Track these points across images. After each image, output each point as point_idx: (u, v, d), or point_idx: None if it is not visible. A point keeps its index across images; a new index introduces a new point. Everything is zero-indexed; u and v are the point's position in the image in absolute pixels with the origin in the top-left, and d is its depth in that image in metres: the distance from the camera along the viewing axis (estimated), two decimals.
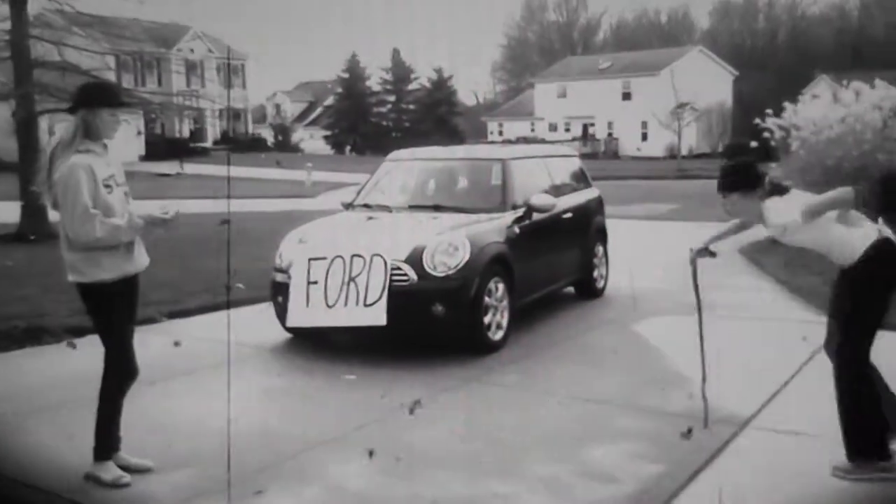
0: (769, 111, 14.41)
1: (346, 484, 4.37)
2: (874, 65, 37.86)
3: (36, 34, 15.78)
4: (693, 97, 48.84)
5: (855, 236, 4.24)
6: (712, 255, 4.89)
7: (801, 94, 16.60)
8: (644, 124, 56.75)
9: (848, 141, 13.11)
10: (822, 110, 13.88)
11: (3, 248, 13.55)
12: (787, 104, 14.35)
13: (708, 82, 55.27)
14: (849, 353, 4.33)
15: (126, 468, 4.37)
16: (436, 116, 65.98)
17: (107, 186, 4.19)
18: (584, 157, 11.49)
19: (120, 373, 4.36)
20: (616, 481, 4.33)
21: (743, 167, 4.47)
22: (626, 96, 59.52)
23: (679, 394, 5.69)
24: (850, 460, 4.32)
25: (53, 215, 4.57)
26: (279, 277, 7.13)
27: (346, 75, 69.22)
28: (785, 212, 4.26)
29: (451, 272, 6.62)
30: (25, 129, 15.62)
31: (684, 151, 47.42)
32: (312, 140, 69.46)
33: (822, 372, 6.26)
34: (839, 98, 13.89)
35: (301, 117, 75.75)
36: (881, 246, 4.20)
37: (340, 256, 6.66)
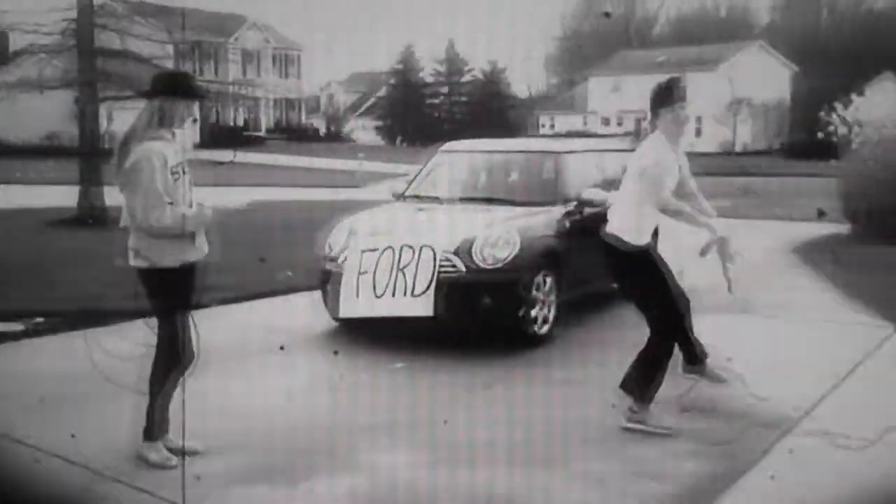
0: (838, 105, 14.15)
1: (390, 473, 4.41)
2: None
3: (100, 23, 16.12)
4: (750, 93, 48.02)
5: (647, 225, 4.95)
6: None
7: (864, 91, 16.26)
8: (698, 119, 55.95)
9: None
10: (886, 107, 13.60)
11: (62, 231, 13.90)
12: (854, 96, 14.06)
13: (766, 78, 54.26)
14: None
15: (175, 450, 4.46)
16: (488, 109, 65.80)
17: (174, 174, 4.28)
18: None
19: (174, 356, 4.45)
20: (660, 479, 4.30)
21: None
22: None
23: (728, 394, 5.62)
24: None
25: (111, 200, 4.69)
26: (328, 266, 7.19)
27: (399, 66, 69.40)
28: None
29: (499, 265, 6.62)
30: (87, 115, 15.98)
31: (739, 148, 46.70)
32: (364, 130, 69.85)
33: (873, 375, 6.19)
34: None
35: (354, 108, 76.15)
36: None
37: (390, 247, 6.70)
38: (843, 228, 13.69)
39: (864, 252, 11.70)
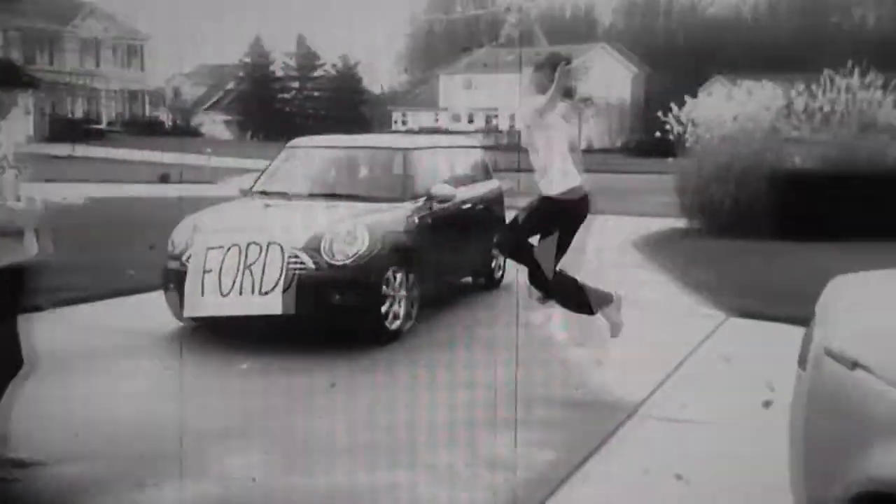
0: (673, 105, 14.78)
1: (239, 475, 4.30)
2: (767, 67, 39.30)
3: None
4: (594, 93, 49.85)
5: (556, 178, 5.70)
6: None
7: (697, 92, 17.11)
8: None
9: (739, 138, 13.63)
10: (717, 108, 14.37)
11: None
12: (688, 98, 14.75)
13: (609, 79, 56.38)
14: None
15: (14, 462, 4.19)
16: (341, 104, 65.40)
17: None
18: (486, 148, 11.55)
19: (2, 364, 4.17)
20: (508, 468, 4.38)
21: None
22: None
23: (569, 381, 5.81)
24: None
25: None
26: (172, 265, 6.94)
27: (248, 59, 67.92)
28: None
29: (349, 261, 6.58)
30: None
31: (584, 146, 48.36)
32: (213, 124, 68.01)
33: (708, 361, 6.54)
34: (732, 97, 14.42)
35: (201, 101, 74.01)
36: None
37: (236, 244, 6.54)
38: (680, 223, 14.37)
39: (699, 245, 12.34)
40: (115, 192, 19.40)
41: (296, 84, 69.42)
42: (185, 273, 6.62)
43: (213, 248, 6.58)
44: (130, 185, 23.21)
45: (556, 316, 8.00)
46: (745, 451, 4.58)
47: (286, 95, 69.47)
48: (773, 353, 5.61)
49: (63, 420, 4.98)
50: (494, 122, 61.39)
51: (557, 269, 5.86)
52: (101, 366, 6.23)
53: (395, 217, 7.29)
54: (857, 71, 13.41)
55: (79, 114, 55.09)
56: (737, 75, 19.40)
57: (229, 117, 68.46)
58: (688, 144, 14.28)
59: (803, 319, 3.23)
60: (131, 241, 10.98)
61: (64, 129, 45.82)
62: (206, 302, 6.46)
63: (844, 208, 11.89)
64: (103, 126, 55.42)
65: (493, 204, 9.53)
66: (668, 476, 4.32)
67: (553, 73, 5.51)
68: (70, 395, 5.49)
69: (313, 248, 6.55)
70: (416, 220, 7.45)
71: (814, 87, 13.77)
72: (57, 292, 8.29)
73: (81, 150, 38.20)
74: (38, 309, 7.58)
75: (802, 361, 3.02)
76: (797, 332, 3.27)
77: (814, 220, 11.96)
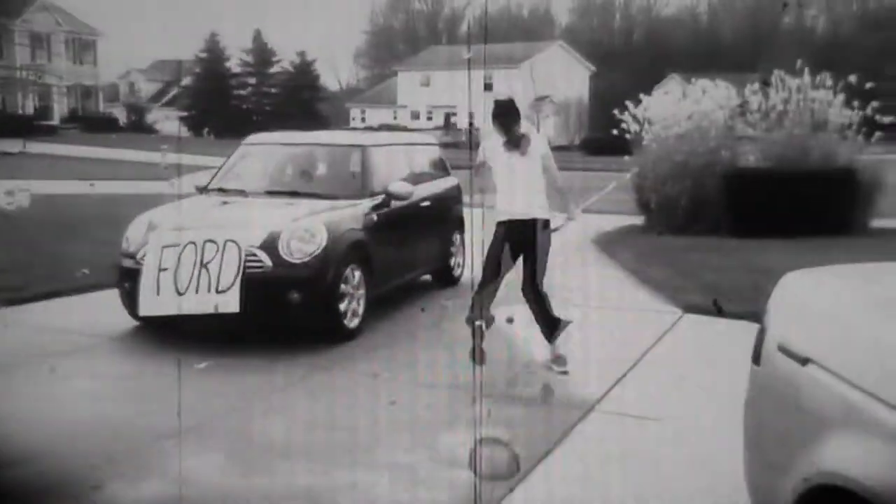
0: (629, 103, 14.85)
1: (195, 476, 4.25)
2: (721, 66, 39.82)
3: None
4: (552, 90, 50.09)
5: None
6: None
7: (653, 91, 17.21)
8: None
9: (695, 137, 13.79)
10: (672, 107, 14.50)
11: None
12: (643, 97, 14.84)
13: (567, 77, 56.70)
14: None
15: None
16: (298, 101, 64.94)
17: None
18: (445, 146, 11.54)
19: None
20: (467, 466, 4.38)
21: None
22: (488, 87, 60.20)
23: (529, 378, 5.83)
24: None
25: None
26: (126, 263, 6.84)
27: (204, 55, 67.15)
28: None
29: (306, 259, 6.53)
30: None
31: None
32: (169, 121, 67.12)
33: (665, 359, 6.61)
34: (687, 96, 14.56)
35: (157, 97, 73.04)
36: None
37: (193, 242, 6.47)
38: (638, 220, 14.49)
39: (656, 242, 12.46)
40: (68, 189, 19.09)
41: (253, 80, 68.83)
42: (139, 271, 6.53)
43: (168, 246, 6.50)
44: (86, 181, 22.80)
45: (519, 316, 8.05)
46: (701, 447, 4.64)
47: (243, 92, 68.85)
48: (729, 349, 5.70)
49: (18, 421, 4.89)
50: (453, 119, 61.43)
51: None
52: (55, 365, 6.12)
53: (353, 215, 7.25)
54: (807, 71, 13.61)
55: (30, 109, 54.05)
56: (691, 74, 19.58)
57: (185, 113, 67.63)
58: (644, 142, 14.39)
59: (757, 316, 3.27)
60: (85, 239, 10.82)
61: (15, 125, 44.92)
62: (162, 301, 6.38)
63: (797, 206, 12.09)
64: (55, 122, 54.44)
65: (451, 201, 9.54)
66: (625, 472, 4.36)
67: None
68: (24, 396, 5.39)
69: (271, 246, 6.50)
70: (375, 218, 7.42)
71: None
72: (8, 291, 8.17)
73: (34, 146, 37.46)
74: None
75: (756, 357, 3.06)
76: (751, 328, 3.31)
77: (767, 218, 12.15)
